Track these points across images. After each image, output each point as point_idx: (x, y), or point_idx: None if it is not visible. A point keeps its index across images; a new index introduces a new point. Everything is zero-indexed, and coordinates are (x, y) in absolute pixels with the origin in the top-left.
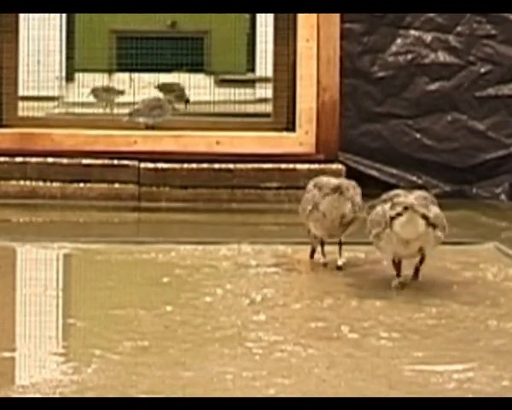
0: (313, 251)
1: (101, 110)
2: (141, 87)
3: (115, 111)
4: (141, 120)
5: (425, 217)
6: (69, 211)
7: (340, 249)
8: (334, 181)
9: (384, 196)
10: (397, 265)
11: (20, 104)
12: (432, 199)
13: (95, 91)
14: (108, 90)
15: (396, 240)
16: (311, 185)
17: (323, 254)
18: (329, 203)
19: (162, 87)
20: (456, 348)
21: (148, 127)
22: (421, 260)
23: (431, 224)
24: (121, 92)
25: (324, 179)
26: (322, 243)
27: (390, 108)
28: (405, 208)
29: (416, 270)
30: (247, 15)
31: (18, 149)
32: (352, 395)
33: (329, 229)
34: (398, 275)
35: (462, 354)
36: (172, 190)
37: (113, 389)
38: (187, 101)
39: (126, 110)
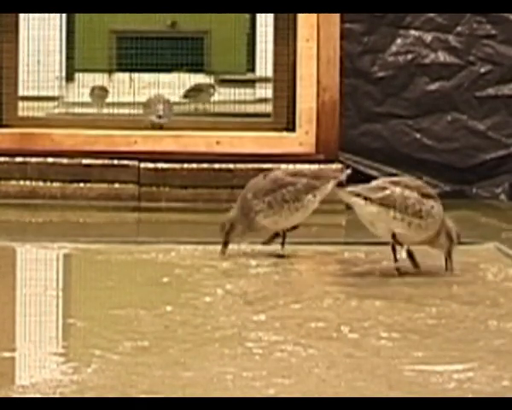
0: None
1: (102, 110)
2: (141, 87)
3: (116, 111)
4: (167, 120)
5: (362, 196)
6: (69, 211)
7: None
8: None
9: None
10: (392, 250)
11: (20, 104)
12: (407, 183)
13: (90, 91)
14: (100, 89)
15: (362, 218)
16: (287, 178)
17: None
18: (328, 192)
19: (192, 88)
20: (456, 348)
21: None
22: (393, 245)
23: (381, 204)
24: (106, 90)
25: (304, 169)
26: (278, 235)
27: (390, 108)
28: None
29: (394, 254)
30: (247, 15)
31: (18, 149)
32: (352, 395)
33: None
34: (395, 261)
35: (462, 354)
36: (172, 190)
37: (113, 389)
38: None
39: (126, 110)
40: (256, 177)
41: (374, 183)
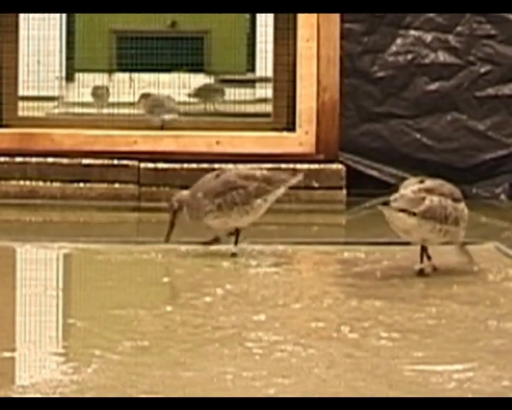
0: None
1: (102, 110)
2: (141, 87)
3: (116, 111)
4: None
5: (405, 211)
6: (69, 211)
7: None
8: (264, 172)
9: (403, 184)
10: (420, 252)
11: (20, 104)
12: (442, 190)
13: (93, 91)
14: (102, 89)
15: (396, 228)
16: (239, 181)
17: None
18: (278, 196)
19: (201, 88)
20: (456, 348)
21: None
22: (425, 249)
23: (423, 217)
24: (107, 90)
25: (257, 173)
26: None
27: (390, 108)
28: (382, 204)
29: (424, 257)
30: (247, 15)
31: (18, 149)
32: (352, 395)
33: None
34: (421, 261)
35: (462, 354)
36: (172, 190)
37: (113, 389)
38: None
39: (126, 110)
40: (208, 174)
41: (408, 190)
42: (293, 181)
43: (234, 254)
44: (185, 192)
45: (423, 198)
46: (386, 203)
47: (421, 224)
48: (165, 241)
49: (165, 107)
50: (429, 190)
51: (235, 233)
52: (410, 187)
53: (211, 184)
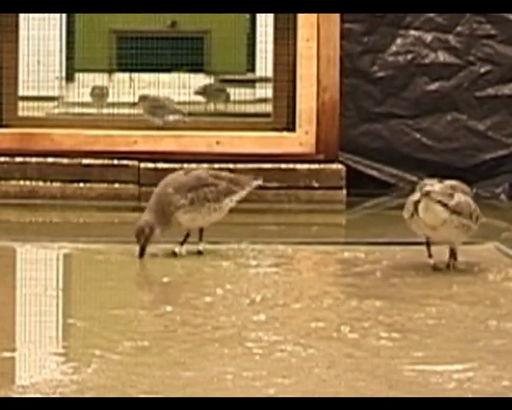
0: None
1: (102, 110)
2: (141, 87)
3: (116, 111)
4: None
5: (443, 204)
6: (69, 211)
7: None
8: (227, 174)
9: (420, 184)
10: (428, 248)
11: (20, 104)
12: (462, 188)
13: (91, 91)
14: (101, 89)
15: (423, 225)
16: (210, 179)
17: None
18: (241, 197)
19: (205, 88)
20: (456, 348)
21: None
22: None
23: (454, 211)
24: (107, 90)
25: (223, 173)
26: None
27: (390, 108)
28: (423, 195)
29: (451, 252)
30: (247, 15)
31: (18, 149)
32: (352, 395)
33: None
34: (430, 256)
35: (462, 354)
36: None
37: (113, 389)
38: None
39: (126, 110)
40: (174, 173)
41: (436, 187)
42: (255, 184)
43: (200, 252)
44: (147, 213)
45: (451, 194)
46: (426, 194)
47: (452, 218)
48: (139, 257)
49: (168, 108)
50: (453, 188)
51: (200, 233)
52: (436, 185)
53: (181, 180)
